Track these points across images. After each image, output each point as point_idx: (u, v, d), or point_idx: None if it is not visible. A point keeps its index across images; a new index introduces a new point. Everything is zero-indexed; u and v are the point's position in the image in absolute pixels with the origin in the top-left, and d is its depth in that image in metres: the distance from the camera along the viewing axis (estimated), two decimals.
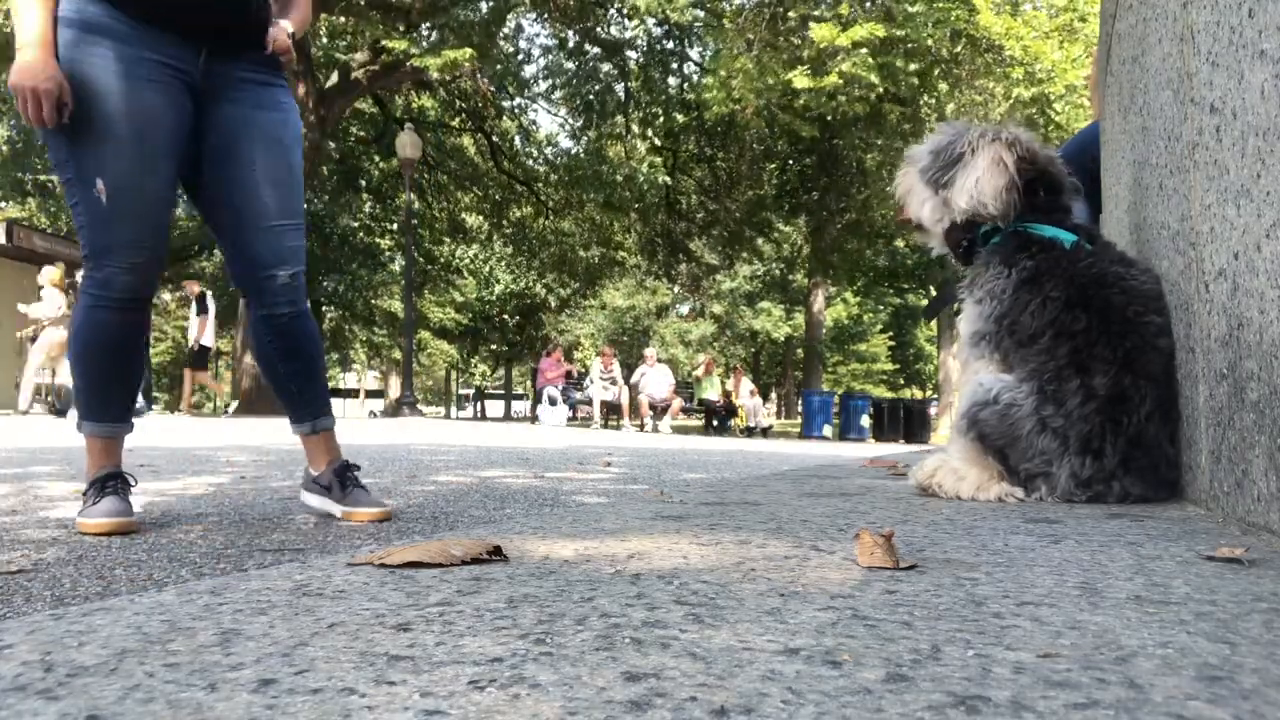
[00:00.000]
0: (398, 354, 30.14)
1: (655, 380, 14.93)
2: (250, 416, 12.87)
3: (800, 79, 14.64)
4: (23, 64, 1.80)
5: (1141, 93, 2.07)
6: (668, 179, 21.36)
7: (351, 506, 2.23)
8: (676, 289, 30.95)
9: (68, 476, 3.28)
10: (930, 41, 14.64)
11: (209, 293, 12.40)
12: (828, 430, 15.85)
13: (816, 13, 15.22)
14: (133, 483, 2.11)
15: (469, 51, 14.49)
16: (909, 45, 14.60)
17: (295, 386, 2.27)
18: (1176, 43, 1.63)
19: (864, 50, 14.24)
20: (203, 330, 11.85)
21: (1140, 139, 2.11)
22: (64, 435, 6.51)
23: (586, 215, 21.79)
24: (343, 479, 2.27)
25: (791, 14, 15.30)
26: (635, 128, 20.64)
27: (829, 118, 16.07)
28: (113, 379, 2.08)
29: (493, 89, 18.97)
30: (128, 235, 1.93)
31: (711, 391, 15.88)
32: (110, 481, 2.04)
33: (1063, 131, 14.36)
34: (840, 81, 14.47)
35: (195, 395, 12.06)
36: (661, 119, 20.38)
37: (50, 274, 10.91)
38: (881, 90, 14.91)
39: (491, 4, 15.56)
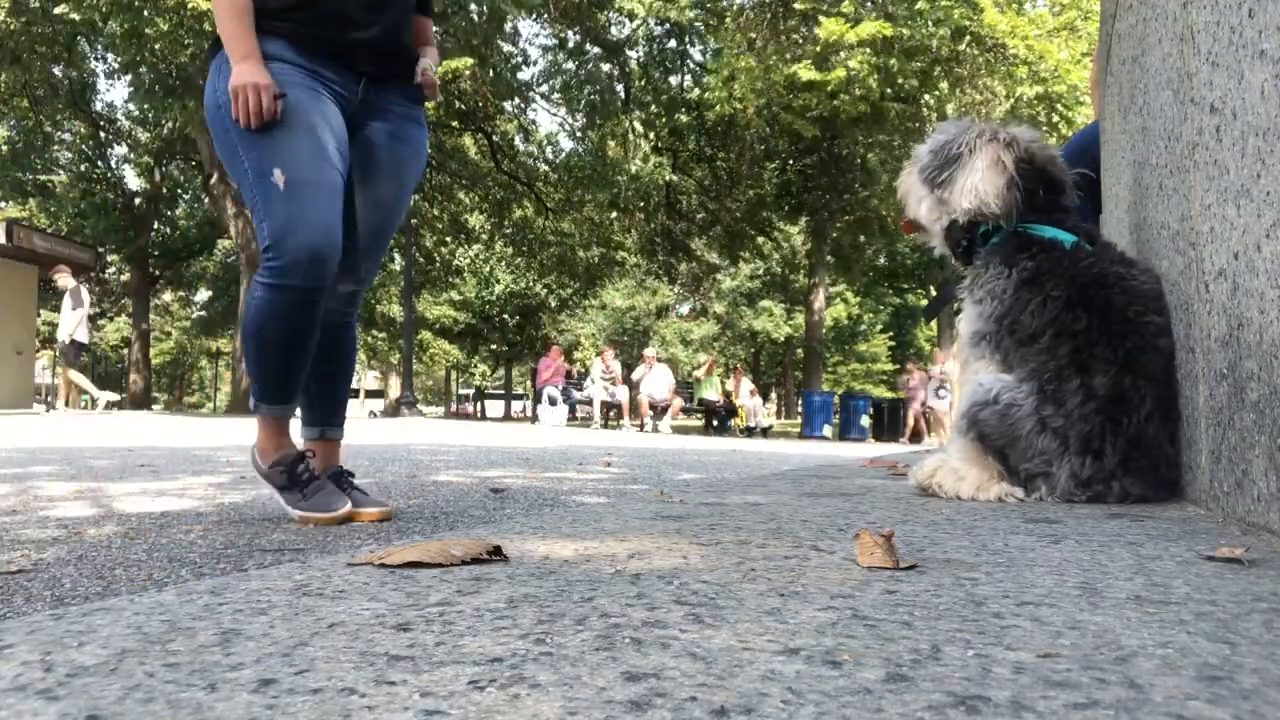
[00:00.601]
0: (395, 357, 30.15)
1: (655, 380, 14.92)
2: (249, 416, 12.86)
3: (805, 71, 14.65)
4: (243, 70, 2.00)
5: (1141, 93, 2.07)
6: (673, 177, 21.37)
7: (352, 507, 2.23)
8: (677, 289, 30.95)
9: (68, 476, 3.28)
10: (933, 41, 14.64)
11: (84, 286, 12.15)
12: (828, 430, 15.85)
13: (823, 8, 15.23)
14: (313, 460, 2.21)
15: (469, 60, 14.51)
16: (910, 45, 14.60)
17: (318, 389, 2.34)
18: (1176, 43, 1.63)
19: (867, 49, 14.26)
20: (78, 325, 11.51)
21: (1140, 139, 2.11)
22: (64, 435, 6.51)
23: (586, 215, 21.81)
24: (339, 483, 2.28)
25: (798, 4, 15.29)
26: (639, 127, 20.65)
27: (830, 116, 16.07)
28: (288, 365, 2.13)
29: (491, 90, 18.99)
30: (308, 218, 1.99)
31: (711, 391, 15.88)
32: (301, 466, 2.15)
33: (1070, 127, 14.38)
34: (843, 77, 14.48)
35: (71, 392, 11.86)
36: (664, 118, 20.38)
37: None
38: (879, 93, 14.92)
39: (487, 10, 15.53)
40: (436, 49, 2.41)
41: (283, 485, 2.16)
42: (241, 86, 1.98)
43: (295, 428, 2.31)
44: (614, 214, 21.07)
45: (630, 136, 20.56)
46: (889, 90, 15.14)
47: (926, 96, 16.27)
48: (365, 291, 2.39)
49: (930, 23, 14.57)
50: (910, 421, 16.04)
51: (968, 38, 15.04)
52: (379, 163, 2.23)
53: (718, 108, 16.90)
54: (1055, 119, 14.95)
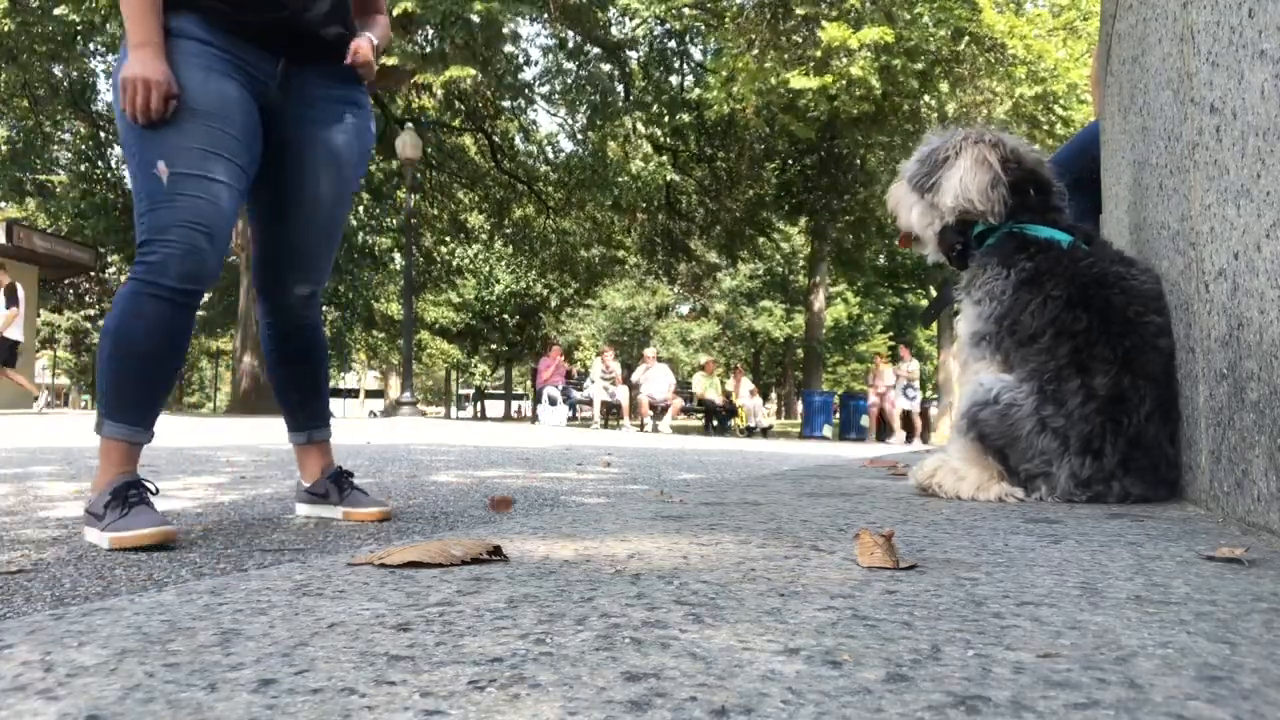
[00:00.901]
0: (396, 357, 30.20)
1: (655, 380, 14.93)
2: (249, 416, 12.86)
3: (798, 79, 14.66)
4: (137, 60, 1.82)
5: (1141, 93, 2.07)
6: (676, 176, 21.38)
7: (352, 506, 2.21)
8: (677, 289, 30.96)
9: (67, 476, 3.28)
10: (931, 44, 14.66)
11: (19, 284, 12.02)
12: (828, 430, 15.85)
13: (821, 10, 15.24)
14: (153, 490, 1.93)
15: (471, 71, 14.52)
16: (909, 45, 14.62)
17: (295, 394, 2.26)
18: (1176, 43, 1.63)
19: (868, 54, 14.28)
20: (9, 323, 11.24)
21: (1140, 139, 2.11)
22: (64, 435, 6.51)
23: (588, 214, 21.84)
24: (339, 483, 2.24)
25: (799, 10, 15.30)
26: (641, 127, 20.65)
27: (829, 119, 16.08)
28: (147, 377, 1.92)
29: (492, 92, 18.99)
30: (187, 216, 1.82)
31: (711, 391, 15.89)
32: (132, 491, 1.84)
33: (1070, 127, 14.39)
34: (841, 82, 14.50)
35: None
36: (667, 117, 20.38)
37: None
38: (880, 93, 14.94)
39: (482, 17, 15.51)
40: (386, 17, 2.26)
41: (103, 508, 1.81)
42: (133, 79, 1.80)
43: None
44: (616, 214, 21.07)
45: (631, 137, 20.56)
46: (891, 88, 15.15)
47: (926, 97, 16.28)
48: (322, 290, 2.26)
49: (931, 24, 14.60)
50: (876, 418, 15.55)
51: (966, 38, 15.05)
52: (314, 157, 2.07)
53: (716, 107, 16.90)
54: (1054, 120, 14.97)
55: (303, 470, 2.32)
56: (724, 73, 16.20)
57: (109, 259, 23.70)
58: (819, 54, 14.68)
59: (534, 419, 16.92)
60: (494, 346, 33.95)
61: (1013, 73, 15.00)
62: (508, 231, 23.55)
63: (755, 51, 15.50)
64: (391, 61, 14.55)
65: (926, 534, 1.28)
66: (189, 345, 1.96)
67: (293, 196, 2.09)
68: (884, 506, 1.68)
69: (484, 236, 25.05)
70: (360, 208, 22.11)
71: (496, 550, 1.06)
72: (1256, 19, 1.18)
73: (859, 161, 19.19)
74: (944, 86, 16.14)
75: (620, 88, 20.35)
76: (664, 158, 21.32)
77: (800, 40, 15.48)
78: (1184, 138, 1.59)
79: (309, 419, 2.28)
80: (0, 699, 0.55)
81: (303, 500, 2.31)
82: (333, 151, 2.09)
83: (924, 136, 2.17)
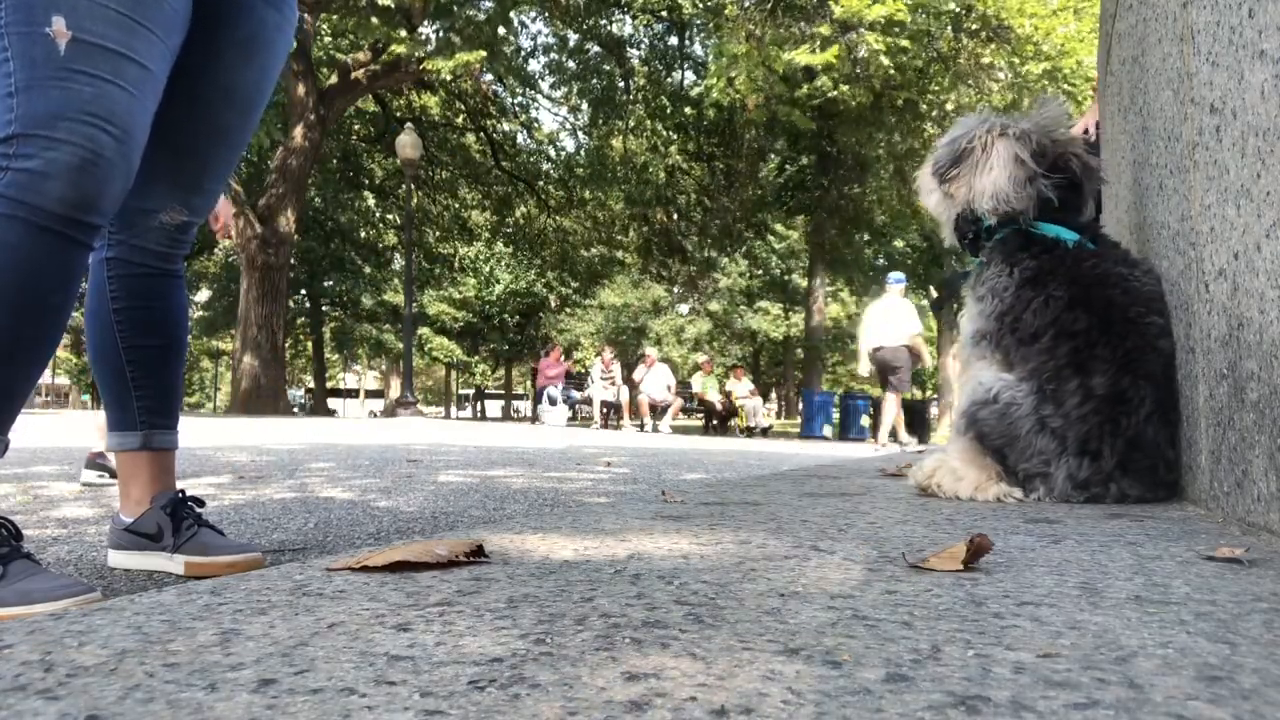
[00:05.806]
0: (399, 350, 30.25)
1: (655, 380, 14.94)
2: (250, 416, 12.86)
3: (803, 55, 14.69)
4: None
5: (1141, 93, 2.07)
6: (684, 165, 21.41)
7: (197, 555, 1.52)
8: (677, 289, 30.94)
9: (69, 476, 3.28)
10: (933, 29, 14.70)
11: None
12: (828, 430, 15.85)
13: None
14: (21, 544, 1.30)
15: (481, 54, 14.55)
16: (917, 29, 14.66)
17: (138, 374, 1.58)
18: (1176, 43, 1.63)
19: (879, 32, 14.32)
20: None
21: (1140, 139, 2.11)
22: (64, 435, 6.51)
23: (589, 214, 21.88)
24: (178, 518, 1.56)
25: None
26: (649, 121, 20.66)
27: (829, 109, 16.09)
28: (15, 348, 1.24)
29: (495, 89, 19.01)
30: (91, 106, 1.23)
31: (711, 391, 15.91)
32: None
33: (1078, 109, 14.42)
34: (849, 59, 14.52)
35: None
36: (670, 110, 20.42)
37: None
38: (886, 73, 14.96)
39: (494, 3, 15.56)
40: None
41: None
42: None
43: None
44: (632, 209, 21.07)
45: (641, 130, 20.55)
46: (894, 73, 15.14)
47: (928, 95, 16.30)
48: (199, 228, 1.64)
49: (930, 13, 14.62)
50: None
51: (974, 13, 15.02)
52: (238, 39, 1.52)
53: (715, 95, 16.88)
54: (1069, 95, 14.99)
55: (124, 494, 1.62)
56: (724, 62, 16.20)
57: None
58: (827, 30, 14.69)
59: (534, 419, 16.92)
60: (494, 346, 33.95)
61: (1020, 49, 14.99)
62: (508, 230, 23.62)
63: (758, 38, 15.51)
64: (401, 49, 14.58)
65: (926, 534, 1.28)
66: (74, 294, 1.31)
67: (194, 90, 1.50)
68: (884, 506, 1.68)
69: (485, 234, 25.13)
70: (360, 204, 22.15)
71: (479, 550, 1.05)
72: (1256, 19, 1.18)
73: (857, 159, 19.20)
74: (943, 82, 16.16)
75: (622, 83, 20.39)
76: (670, 148, 21.31)
77: (798, 32, 15.51)
78: (1184, 138, 1.59)
79: (154, 413, 1.59)
80: (0, 699, 0.55)
81: (120, 544, 1.60)
82: (259, 37, 1.55)
83: (955, 119, 2.20)
